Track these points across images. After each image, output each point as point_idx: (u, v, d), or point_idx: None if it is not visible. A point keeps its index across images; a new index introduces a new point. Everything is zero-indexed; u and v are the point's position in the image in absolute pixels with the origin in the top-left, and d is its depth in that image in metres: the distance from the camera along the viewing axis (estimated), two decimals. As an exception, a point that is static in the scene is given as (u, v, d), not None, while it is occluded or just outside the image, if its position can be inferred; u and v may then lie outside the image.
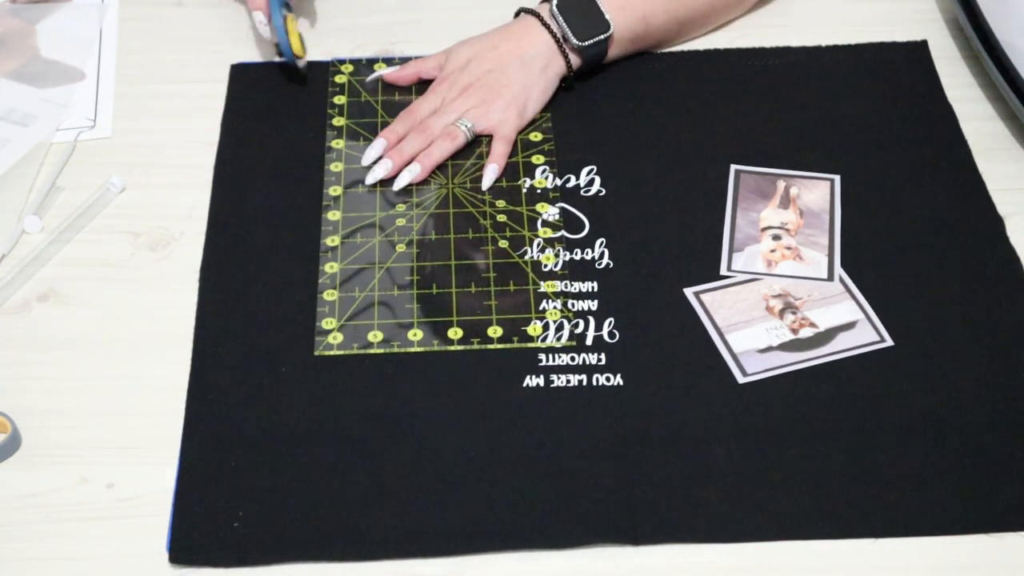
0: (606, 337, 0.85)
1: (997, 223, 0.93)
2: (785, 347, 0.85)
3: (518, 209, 0.94)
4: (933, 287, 0.88)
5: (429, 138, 0.97)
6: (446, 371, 0.83)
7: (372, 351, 0.84)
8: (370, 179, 0.95)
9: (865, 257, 0.90)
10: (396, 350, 0.84)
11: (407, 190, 0.95)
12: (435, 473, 0.78)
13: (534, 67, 0.99)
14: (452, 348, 0.84)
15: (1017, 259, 0.90)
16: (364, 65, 1.06)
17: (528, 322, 0.86)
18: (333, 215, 0.93)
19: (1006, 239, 0.92)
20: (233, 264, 0.90)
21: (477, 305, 0.87)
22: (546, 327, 0.86)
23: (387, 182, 0.96)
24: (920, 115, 1.01)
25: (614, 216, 0.93)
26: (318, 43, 1.07)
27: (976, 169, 0.97)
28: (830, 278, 0.89)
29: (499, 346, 0.84)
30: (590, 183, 0.96)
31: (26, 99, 1.03)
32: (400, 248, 0.91)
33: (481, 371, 0.83)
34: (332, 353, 0.84)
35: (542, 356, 0.84)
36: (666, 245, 0.91)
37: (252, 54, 1.07)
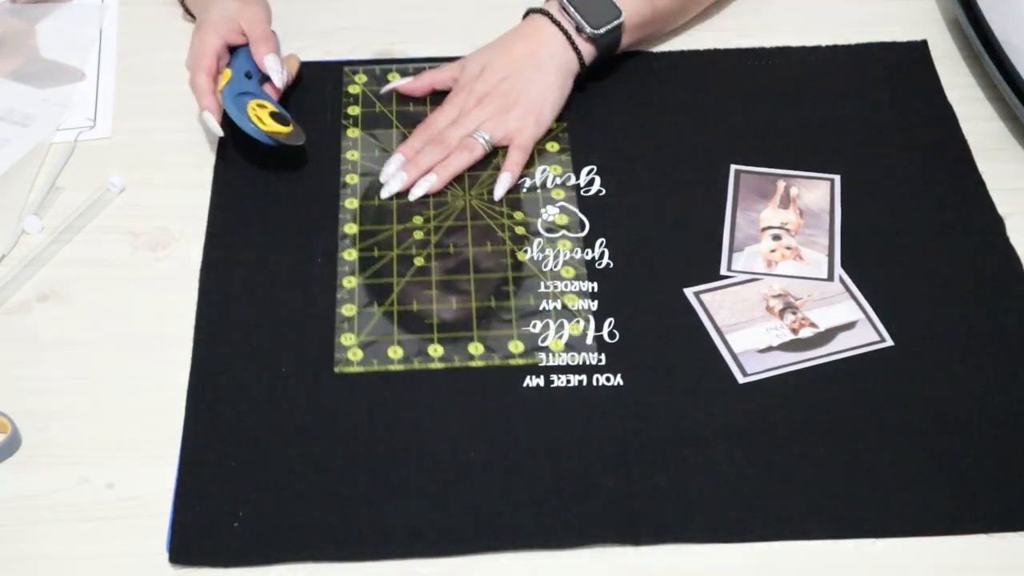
0: (606, 337, 0.85)
1: (997, 223, 0.93)
2: (785, 347, 0.85)
3: (520, 211, 0.94)
4: (933, 287, 0.88)
5: (446, 150, 0.96)
6: (445, 371, 0.83)
7: (393, 368, 0.83)
8: (385, 192, 0.94)
9: (865, 257, 0.90)
10: (417, 366, 0.83)
11: (424, 202, 0.94)
12: (435, 473, 0.78)
13: (549, 69, 0.98)
14: (473, 364, 0.83)
15: (1017, 259, 0.90)
16: (377, 75, 1.04)
17: (528, 322, 0.86)
18: (350, 228, 0.92)
19: (1006, 239, 0.91)
20: (233, 264, 0.90)
21: (496, 319, 0.86)
22: (546, 327, 0.86)
23: (404, 194, 0.94)
24: (920, 115, 1.01)
25: (614, 216, 0.93)
26: (319, 43, 1.07)
27: (976, 169, 0.97)
28: (830, 278, 0.89)
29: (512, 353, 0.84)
30: (590, 183, 0.96)
31: (26, 99, 1.03)
32: (419, 262, 0.90)
33: (480, 371, 0.83)
34: (349, 370, 0.84)
35: (542, 356, 0.84)
36: (666, 245, 0.91)
37: (252, 54, 1.07)
